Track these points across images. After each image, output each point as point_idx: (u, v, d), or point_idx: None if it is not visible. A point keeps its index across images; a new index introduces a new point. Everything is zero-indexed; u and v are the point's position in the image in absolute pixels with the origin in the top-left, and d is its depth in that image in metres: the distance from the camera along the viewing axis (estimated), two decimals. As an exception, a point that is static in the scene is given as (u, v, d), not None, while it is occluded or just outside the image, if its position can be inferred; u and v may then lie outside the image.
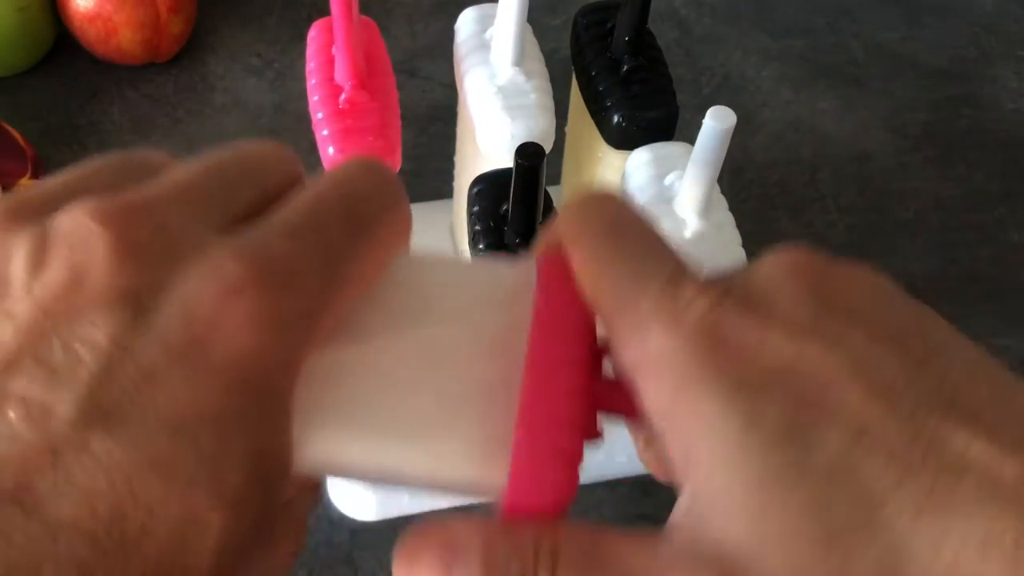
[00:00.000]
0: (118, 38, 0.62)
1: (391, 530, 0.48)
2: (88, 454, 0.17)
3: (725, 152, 0.39)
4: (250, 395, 0.19)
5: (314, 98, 0.42)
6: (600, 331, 0.22)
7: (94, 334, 0.18)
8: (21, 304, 0.18)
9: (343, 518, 0.49)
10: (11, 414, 0.17)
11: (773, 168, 0.64)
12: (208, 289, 0.18)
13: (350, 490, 0.49)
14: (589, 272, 0.22)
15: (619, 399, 0.22)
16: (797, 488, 0.18)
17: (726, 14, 0.73)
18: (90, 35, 0.62)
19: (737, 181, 0.63)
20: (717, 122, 0.37)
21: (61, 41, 0.65)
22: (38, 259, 0.18)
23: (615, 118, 0.44)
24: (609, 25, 0.45)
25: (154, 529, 0.17)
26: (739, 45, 0.71)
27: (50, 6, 0.63)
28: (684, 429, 0.19)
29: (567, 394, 0.21)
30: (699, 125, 0.38)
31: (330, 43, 0.43)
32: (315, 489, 0.23)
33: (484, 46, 0.45)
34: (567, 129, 0.52)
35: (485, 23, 0.46)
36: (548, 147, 0.44)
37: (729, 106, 0.37)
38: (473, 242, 0.42)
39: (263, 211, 0.21)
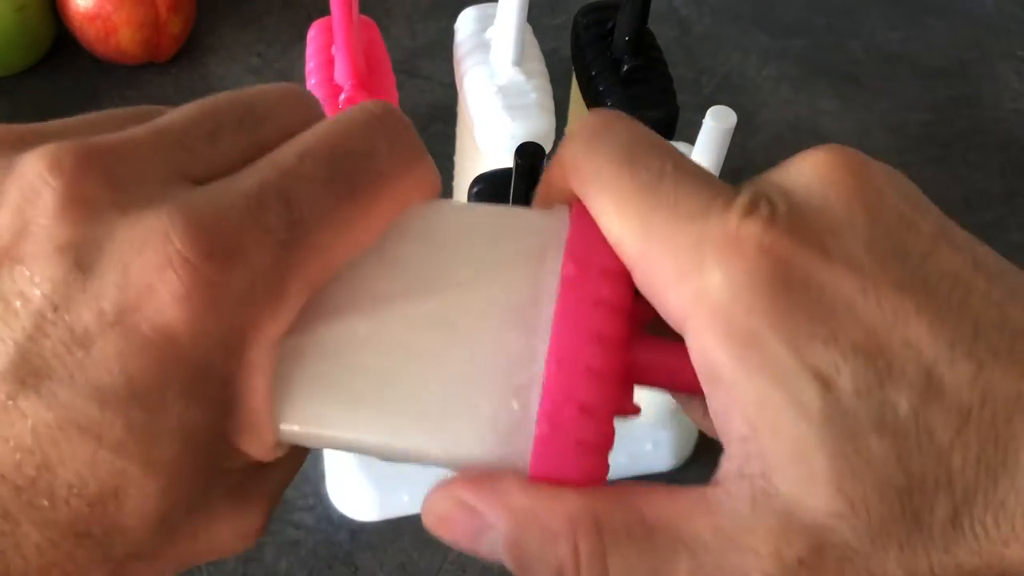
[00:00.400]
0: (118, 38, 0.62)
1: (391, 530, 0.48)
2: (15, 410, 0.17)
3: (725, 152, 0.39)
4: (184, 371, 0.18)
5: (314, 98, 0.42)
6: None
7: (29, 289, 0.17)
8: None
9: (343, 518, 0.49)
10: None
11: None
12: (146, 255, 0.17)
13: (350, 490, 0.49)
14: (613, 214, 0.19)
15: (659, 368, 0.20)
16: (879, 447, 0.17)
17: (726, 14, 0.73)
18: (90, 35, 0.62)
19: (737, 181, 0.63)
20: (717, 122, 0.37)
21: (61, 41, 0.65)
22: None
23: (615, 118, 0.44)
24: (609, 25, 0.45)
25: (83, 488, 0.17)
26: (739, 45, 0.71)
27: (49, 5, 0.63)
28: (751, 385, 0.18)
29: (595, 376, 0.19)
30: (699, 125, 0.38)
31: (330, 43, 0.43)
32: (294, 462, 0.22)
33: (484, 46, 0.45)
34: (567, 129, 0.52)
35: (485, 23, 0.46)
36: (548, 147, 0.44)
37: (729, 106, 0.37)
38: (473, 242, 0.42)
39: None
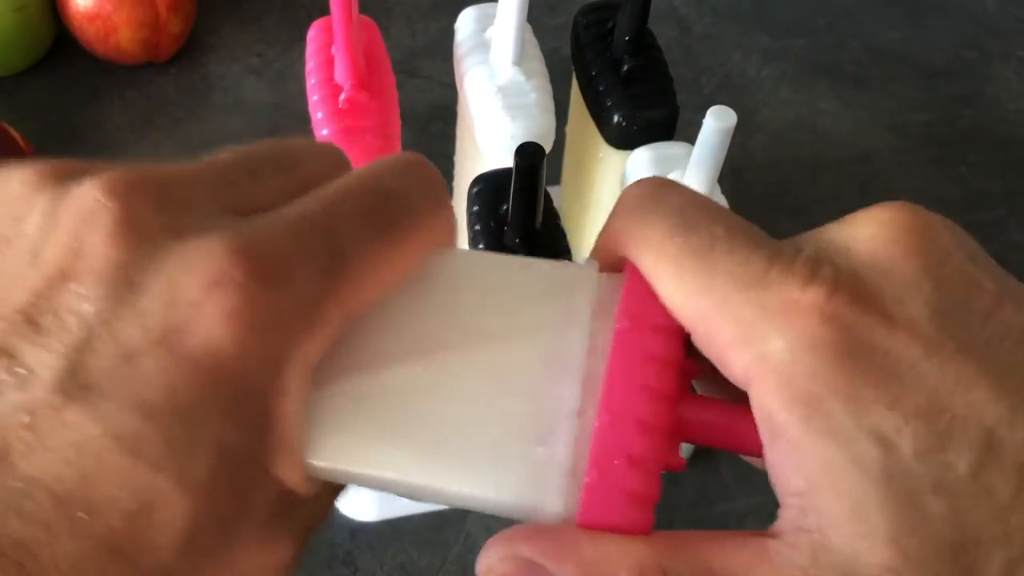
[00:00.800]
0: (117, 37, 0.62)
1: (391, 530, 0.48)
2: (61, 422, 0.17)
3: (725, 152, 0.39)
4: (225, 390, 0.18)
5: (314, 98, 0.42)
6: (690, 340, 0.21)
7: (81, 305, 0.18)
8: (25, 264, 0.18)
9: (343, 518, 0.49)
10: None
11: (773, 168, 0.64)
12: (195, 275, 0.18)
13: (350, 490, 0.49)
14: (670, 279, 0.20)
15: (707, 426, 0.21)
16: (937, 505, 0.18)
17: (726, 14, 0.73)
18: (89, 35, 0.62)
19: (737, 181, 0.63)
20: (717, 122, 0.37)
21: (60, 41, 0.65)
22: (49, 222, 0.19)
23: (615, 118, 0.44)
24: (609, 25, 0.45)
25: (118, 501, 0.17)
26: (739, 45, 0.71)
27: (49, 5, 0.63)
28: (813, 446, 0.18)
29: (645, 429, 0.20)
30: (699, 125, 0.38)
31: (330, 43, 0.43)
32: (327, 500, 0.23)
33: (484, 46, 0.45)
34: (567, 129, 0.52)
35: (485, 23, 0.46)
36: (548, 147, 0.44)
37: (729, 106, 0.37)
38: (473, 242, 0.42)
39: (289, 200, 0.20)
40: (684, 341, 0.20)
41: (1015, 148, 0.66)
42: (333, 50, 0.42)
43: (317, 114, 0.42)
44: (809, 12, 0.74)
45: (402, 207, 0.21)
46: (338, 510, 0.49)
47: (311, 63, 0.43)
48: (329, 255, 0.19)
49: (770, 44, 0.71)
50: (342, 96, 0.41)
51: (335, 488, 0.22)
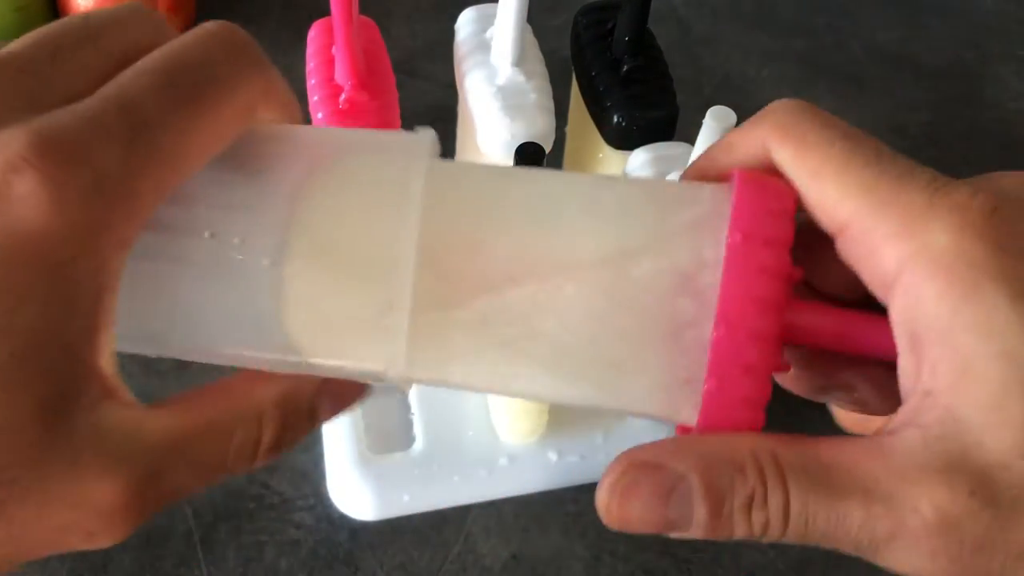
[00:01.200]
0: (118, 38, 0.62)
1: (391, 530, 0.48)
2: None
3: (725, 152, 0.39)
4: (27, 271, 0.18)
5: (314, 98, 0.42)
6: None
7: None
8: None
9: (343, 518, 0.49)
10: None
11: (773, 168, 0.64)
12: None
13: (350, 490, 0.49)
14: (832, 178, 0.21)
15: (811, 328, 0.22)
16: None
17: (726, 14, 0.73)
18: (90, 35, 0.62)
19: (737, 181, 0.63)
20: (717, 122, 0.37)
21: (61, 41, 0.66)
22: None
23: (615, 118, 0.44)
24: (609, 25, 0.45)
25: None
26: (739, 45, 0.71)
27: (49, 5, 0.63)
28: (962, 331, 0.19)
29: (758, 339, 0.21)
30: (699, 125, 0.38)
31: (330, 43, 0.43)
32: (188, 450, 0.21)
33: (484, 46, 0.45)
34: (567, 129, 0.52)
35: (485, 23, 0.46)
36: (548, 147, 0.44)
37: (729, 106, 0.37)
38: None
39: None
40: (791, 251, 0.21)
41: (1015, 148, 0.66)
42: (333, 50, 0.42)
43: (318, 114, 0.42)
44: (809, 12, 0.74)
45: (204, 75, 0.21)
46: (338, 510, 0.49)
47: (311, 63, 0.43)
48: (130, 129, 0.19)
49: (770, 44, 0.71)
50: (342, 96, 0.41)
51: (183, 418, 0.22)
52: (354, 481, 0.48)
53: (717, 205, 0.22)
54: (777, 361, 0.21)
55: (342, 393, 0.24)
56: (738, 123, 0.38)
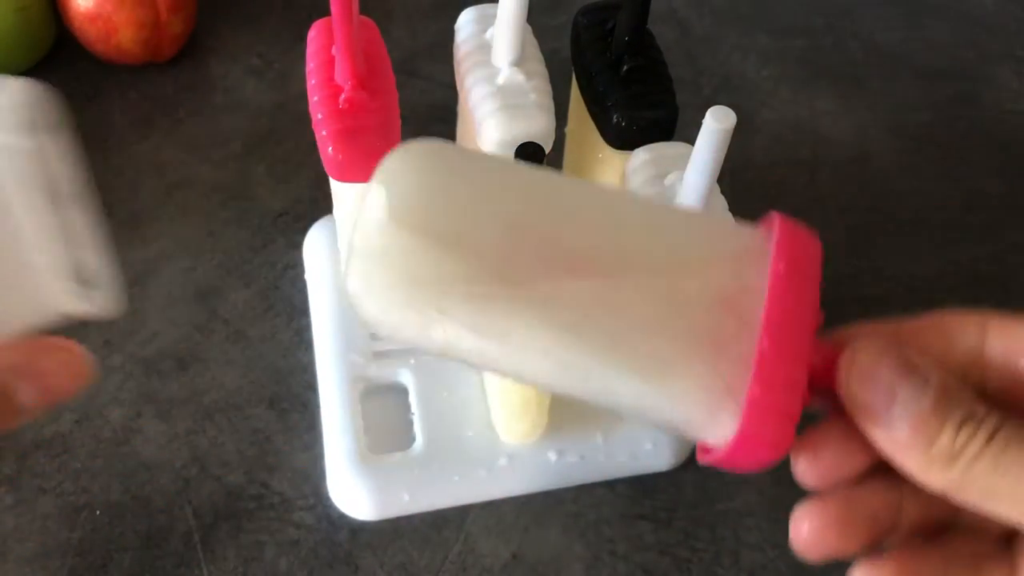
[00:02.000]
0: (118, 38, 0.62)
1: (391, 530, 0.48)
2: None
3: (725, 152, 0.39)
4: None
5: (314, 98, 0.42)
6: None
7: None
8: None
9: (343, 518, 0.49)
10: None
11: (773, 168, 0.64)
12: None
13: (350, 490, 0.49)
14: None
15: (827, 371, 0.25)
16: None
17: (726, 14, 0.73)
18: (90, 35, 0.62)
19: (737, 181, 0.63)
20: (717, 122, 0.37)
21: (61, 41, 0.66)
22: None
23: (615, 118, 0.44)
24: (609, 25, 0.45)
25: None
26: (739, 45, 0.71)
27: (50, 6, 0.63)
28: None
29: (800, 361, 0.23)
30: (699, 125, 0.38)
31: (330, 43, 0.43)
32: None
33: (484, 46, 0.45)
34: (567, 129, 0.52)
35: (485, 23, 0.46)
36: (548, 147, 0.44)
37: (729, 106, 0.37)
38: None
39: None
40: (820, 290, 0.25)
41: (1015, 148, 0.66)
42: (333, 50, 0.42)
43: (317, 114, 0.42)
44: (809, 12, 0.74)
45: None
46: (338, 510, 0.49)
47: (311, 63, 0.43)
48: None
49: (770, 44, 0.71)
50: (342, 96, 0.41)
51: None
52: (354, 481, 0.48)
53: (759, 242, 0.25)
54: (806, 386, 0.24)
55: (51, 382, 0.24)
56: (737, 123, 0.38)
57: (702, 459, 0.26)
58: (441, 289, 0.24)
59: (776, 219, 0.26)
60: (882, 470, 0.26)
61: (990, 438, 0.23)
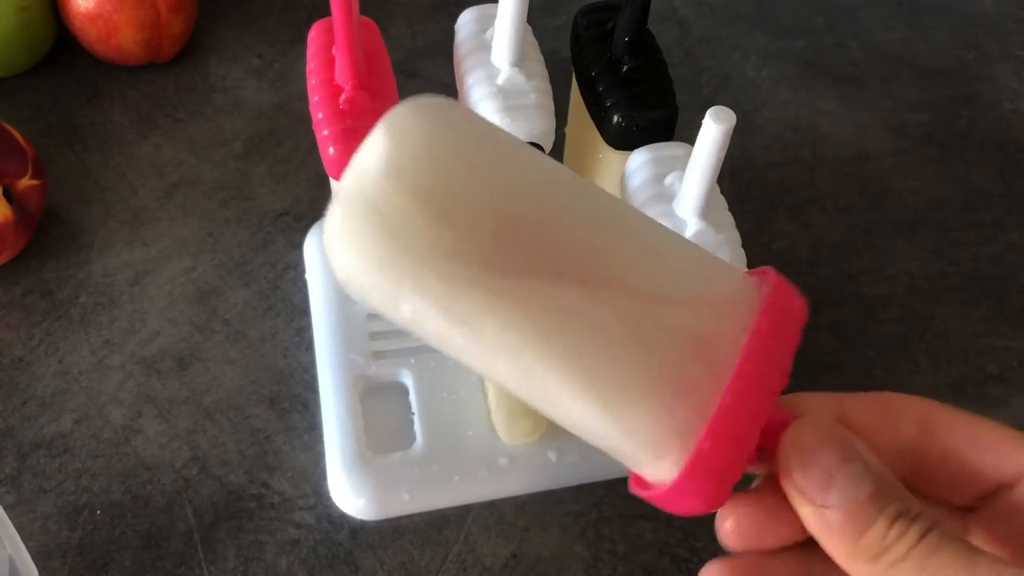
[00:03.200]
0: (118, 38, 0.62)
1: (391, 530, 0.48)
2: None
3: (725, 152, 0.39)
4: None
5: (314, 98, 0.42)
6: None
7: None
8: None
9: (343, 518, 0.49)
10: None
11: (773, 168, 0.64)
12: None
13: (350, 490, 0.49)
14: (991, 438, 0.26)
15: (774, 436, 0.24)
16: None
17: (726, 14, 0.73)
18: (90, 35, 0.62)
19: (737, 181, 0.63)
20: (717, 122, 0.37)
21: (61, 41, 0.66)
22: None
23: (615, 118, 0.44)
24: (609, 25, 0.45)
25: None
26: (739, 45, 0.71)
27: (50, 6, 0.63)
28: None
29: (755, 424, 0.23)
30: (699, 125, 0.38)
31: (330, 43, 0.43)
32: None
33: (484, 46, 0.45)
34: (567, 129, 0.52)
35: (485, 23, 0.46)
36: (548, 147, 0.44)
37: (729, 106, 0.37)
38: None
39: None
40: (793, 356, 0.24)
41: (1015, 148, 0.66)
42: (334, 51, 0.42)
43: (318, 114, 0.42)
44: (809, 12, 0.74)
45: None
46: (338, 510, 0.49)
47: (312, 64, 0.43)
48: None
49: (770, 45, 0.71)
50: (343, 96, 0.41)
51: None
52: (354, 481, 0.48)
53: (747, 293, 0.24)
54: (754, 449, 0.23)
55: None
56: (737, 123, 0.38)
57: (633, 489, 0.26)
58: (421, 257, 0.22)
59: (771, 275, 0.25)
60: (800, 543, 0.26)
61: (920, 538, 0.22)
